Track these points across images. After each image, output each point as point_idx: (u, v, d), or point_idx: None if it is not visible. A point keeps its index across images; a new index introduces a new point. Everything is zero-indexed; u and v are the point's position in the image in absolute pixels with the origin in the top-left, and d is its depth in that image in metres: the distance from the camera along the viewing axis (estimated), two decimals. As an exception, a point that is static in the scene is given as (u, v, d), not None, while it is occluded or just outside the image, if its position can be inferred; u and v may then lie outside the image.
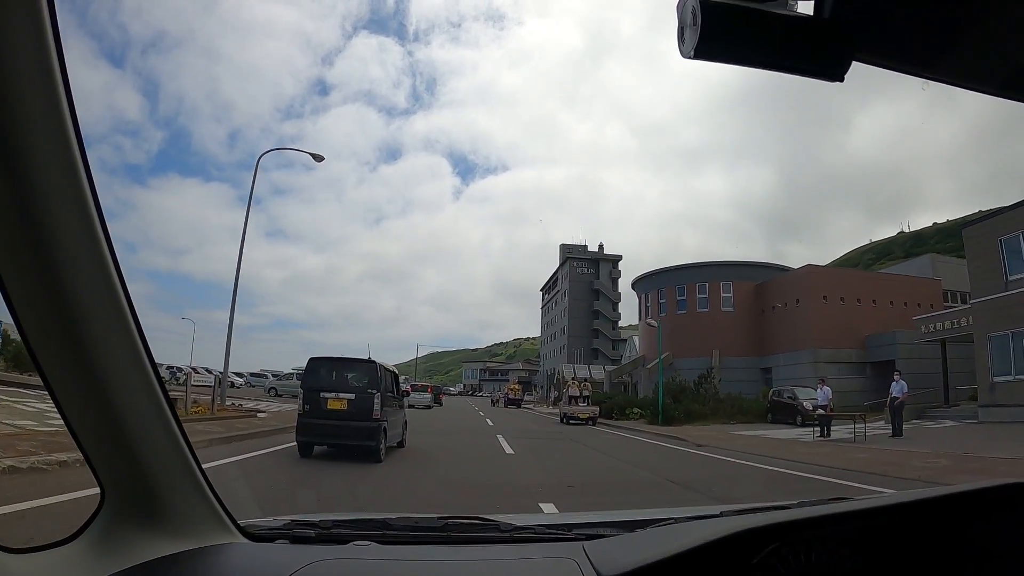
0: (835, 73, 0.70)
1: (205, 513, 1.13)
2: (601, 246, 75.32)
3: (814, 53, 0.69)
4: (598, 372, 46.47)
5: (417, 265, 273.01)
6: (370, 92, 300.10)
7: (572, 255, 73.26)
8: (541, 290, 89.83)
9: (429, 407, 34.42)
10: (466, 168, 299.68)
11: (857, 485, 7.90)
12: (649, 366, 36.67)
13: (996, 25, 0.64)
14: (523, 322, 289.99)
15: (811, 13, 0.68)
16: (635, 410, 29.75)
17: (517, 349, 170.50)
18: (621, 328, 69.95)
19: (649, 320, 35.83)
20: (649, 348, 38.52)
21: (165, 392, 1.00)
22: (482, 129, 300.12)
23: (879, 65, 0.70)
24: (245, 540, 1.18)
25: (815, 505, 1.23)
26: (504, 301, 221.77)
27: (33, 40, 0.69)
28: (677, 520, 1.24)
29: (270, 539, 1.22)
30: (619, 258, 74.65)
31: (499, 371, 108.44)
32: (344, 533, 1.24)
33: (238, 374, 38.65)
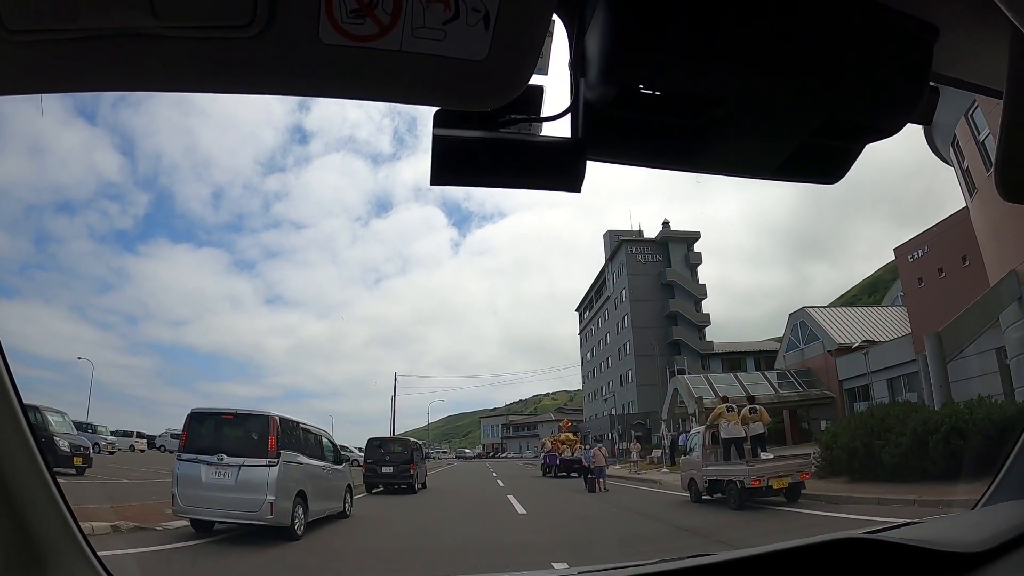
0: (574, 185, 0.78)
1: (77, 560, 1.15)
2: (666, 223, 52.60)
3: (552, 169, 0.77)
4: (756, 386, 25.38)
5: (423, 327, 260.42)
6: (352, 138, 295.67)
7: (627, 239, 52.16)
8: (577, 309, 69.85)
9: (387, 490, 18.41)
10: (461, 217, 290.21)
11: None
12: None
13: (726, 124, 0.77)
14: (540, 378, 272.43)
15: (544, 135, 0.77)
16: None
17: (537, 406, 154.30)
18: (714, 342, 48.63)
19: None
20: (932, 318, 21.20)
21: (46, 459, 1.08)
22: None
23: (610, 163, 0.83)
24: None
25: (672, 561, 1.27)
26: (517, 358, 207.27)
27: None
28: None
29: None
30: (696, 236, 52.55)
31: (524, 425, 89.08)
32: None
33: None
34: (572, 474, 24.46)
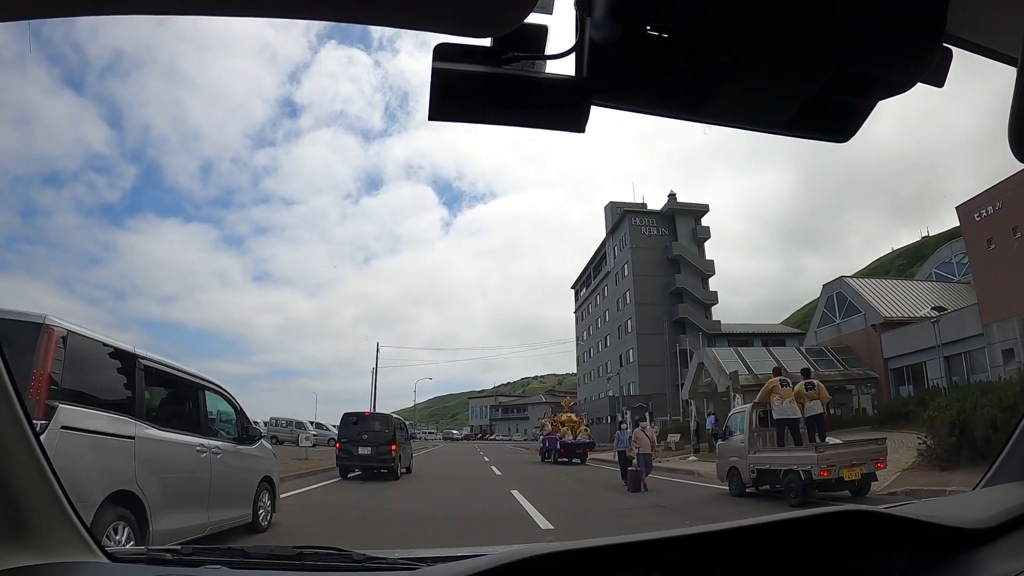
0: (577, 125, 0.77)
1: (67, 534, 1.18)
2: (673, 195, 48.70)
3: (555, 109, 0.76)
4: (791, 363, 19.23)
5: (413, 307, 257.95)
6: (343, 112, 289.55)
7: (632, 210, 48.53)
8: (573, 286, 66.39)
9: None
10: (452, 197, 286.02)
11: None
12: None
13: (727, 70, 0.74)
14: (528, 361, 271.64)
15: (547, 72, 0.75)
16: None
17: (526, 388, 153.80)
18: (721, 322, 44.40)
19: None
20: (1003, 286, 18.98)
21: (30, 420, 1.09)
22: (465, 150, 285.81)
23: (615, 108, 0.80)
24: (105, 560, 1.23)
25: (669, 531, 1.05)
26: (506, 340, 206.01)
27: None
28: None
29: (130, 562, 1.30)
30: (704, 209, 48.87)
31: (513, 407, 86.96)
32: (200, 559, 1.26)
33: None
34: (575, 460, 22.00)
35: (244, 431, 6.61)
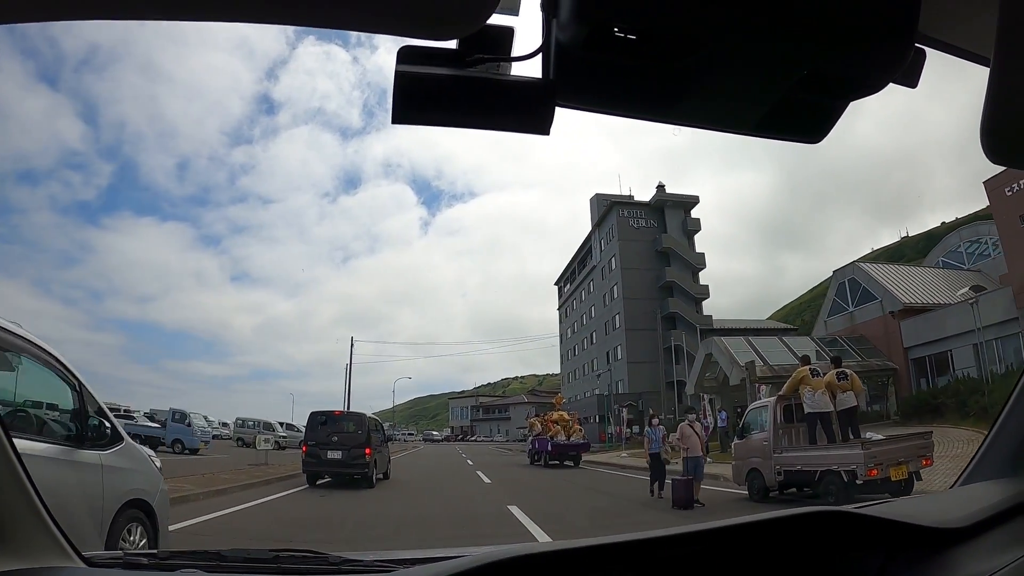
0: (542, 128, 0.76)
1: (45, 540, 1.19)
2: (661, 186, 47.07)
3: (521, 111, 0.75)
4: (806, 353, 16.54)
5: (392, 307, 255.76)
6: (321, 110, 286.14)
7: (619, 202, 46.99)
8: (557, 282, 64.78)
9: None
10: (431, 196, 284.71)
11: None
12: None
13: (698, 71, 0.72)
14: (508, 362, 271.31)
15: (513, 75, 0.74)
16: None
17: (506, 389, 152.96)
18: (712, 316, 42.46)
19: None
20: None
21: (6, 429, 1.13)
22: (444, 149, 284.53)
23: (582, 110, 0.79)
24: (82, 565, 1.24)
25: (648, 532, 1.09)
26: (486, 341, 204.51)
27: None
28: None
29: (107, 566, 1.32)
30: (695, 201, 47.52)
31: (495, 407, 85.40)
32: (176, 563, 1.25)
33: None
34: (567, 463, 20.40)
35: (85, 427, 3.87)
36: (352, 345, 36.66)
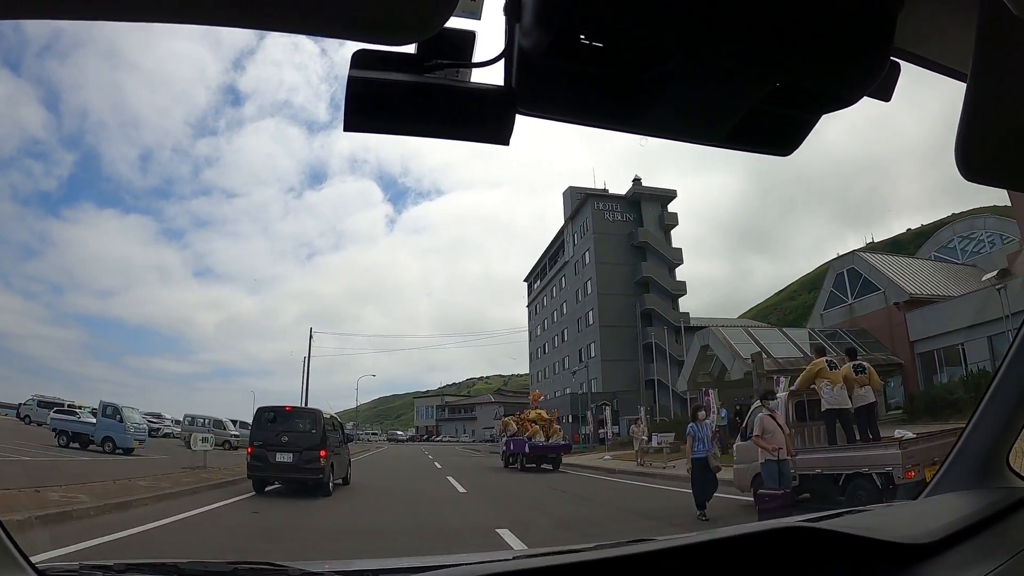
0: (502, 137, 0.73)
1: None
2: (638, 179, 45.41)
3: (480, 120, 0.72)
4: (807, 345, 16.94)
5: (357, 305, 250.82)
6: (288, 102, 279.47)
7: (594, 194, 45.37)
8: (527, 279, 62.65)
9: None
10: (397, 193, 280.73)
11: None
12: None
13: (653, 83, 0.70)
14: (473, 362, 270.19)
15: (473, 81, 0.72)
16: None
17: (471, 389, 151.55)
18: (689, 313, 41.49)
19: None
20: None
21: None
22: (411, 145, 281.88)
23: (544, 118, 0.76)
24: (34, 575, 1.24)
25: (611, 548, 1.18)
26: (450, 340, 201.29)
27: None
28: (459, 565, 1.15)
29: None
30: (672, 195, 46.27)
31: (461, 407, 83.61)
32: (132, 575, 1.24)
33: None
34: (545, 466, 18.78)
35: None
36: (311, 337, 34.34)
